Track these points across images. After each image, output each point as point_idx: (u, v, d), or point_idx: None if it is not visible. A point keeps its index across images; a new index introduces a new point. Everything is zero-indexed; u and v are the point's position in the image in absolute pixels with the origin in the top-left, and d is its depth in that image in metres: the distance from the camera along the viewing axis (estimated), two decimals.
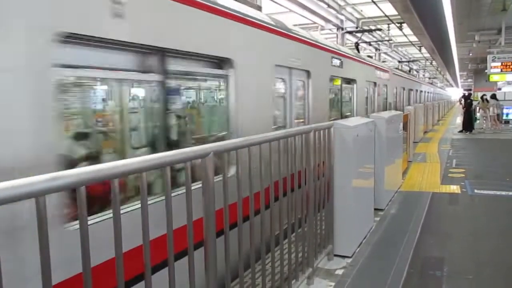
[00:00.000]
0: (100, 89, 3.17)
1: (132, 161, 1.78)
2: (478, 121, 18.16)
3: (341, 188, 4.16)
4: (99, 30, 2.65)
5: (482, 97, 19.21)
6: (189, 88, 4.18)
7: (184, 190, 2.13)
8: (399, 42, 22.21)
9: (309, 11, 12.38)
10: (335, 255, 4.19)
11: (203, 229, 2.24)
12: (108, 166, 1.66)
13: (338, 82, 8.21)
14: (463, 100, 17.91)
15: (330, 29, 14.73)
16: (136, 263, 2.22)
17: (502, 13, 12.86)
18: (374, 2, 10.43)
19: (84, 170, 1.56)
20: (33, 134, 2.25)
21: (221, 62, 4.08)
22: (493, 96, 20.34)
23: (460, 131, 16.96)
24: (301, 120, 6.21)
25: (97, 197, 2.69)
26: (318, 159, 3.77)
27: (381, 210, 5.80)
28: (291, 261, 3.32)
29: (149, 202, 2.64)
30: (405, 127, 8.44)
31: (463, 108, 17.25)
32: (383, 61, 22.46)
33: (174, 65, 3.44)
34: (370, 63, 11.14)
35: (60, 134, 2.54)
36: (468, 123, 17.04)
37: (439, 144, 13.70)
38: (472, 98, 18.96)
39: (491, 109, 19.09)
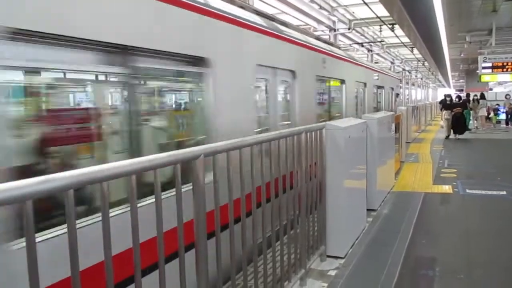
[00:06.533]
0: None
1: (122, 164, 1.77)
2: (470, 122, 18.24)
3: (334, 189, 4.17)
4: None
5: (472, 98, 19.34)
6: None
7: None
8: (391, 43, 22.30)
9: (301, 12, 12.42)
10: (328, 256, 4.20)
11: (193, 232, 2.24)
12: (98, 169, 1.65)
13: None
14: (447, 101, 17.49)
15: (322, 31, 14.77)
16: (121, 271, 2.21)
17: (492, 14, 12.95)
18: (366, 4, 10.46)
19: (74, 173, 1.54)
20: None
21: None
22: (482, 96, 20.45)
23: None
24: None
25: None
26: (310, 160, 3.77)
27: (373, 210, 5.82)
28: (283, 263, 3.32)
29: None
30: (397, 128, 8.48)
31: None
32: (376, 62, 22.52)
33: None
34: (318, 48, 7.01)
35: None
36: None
37: (432, 144, 13.79)
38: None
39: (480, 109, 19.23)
